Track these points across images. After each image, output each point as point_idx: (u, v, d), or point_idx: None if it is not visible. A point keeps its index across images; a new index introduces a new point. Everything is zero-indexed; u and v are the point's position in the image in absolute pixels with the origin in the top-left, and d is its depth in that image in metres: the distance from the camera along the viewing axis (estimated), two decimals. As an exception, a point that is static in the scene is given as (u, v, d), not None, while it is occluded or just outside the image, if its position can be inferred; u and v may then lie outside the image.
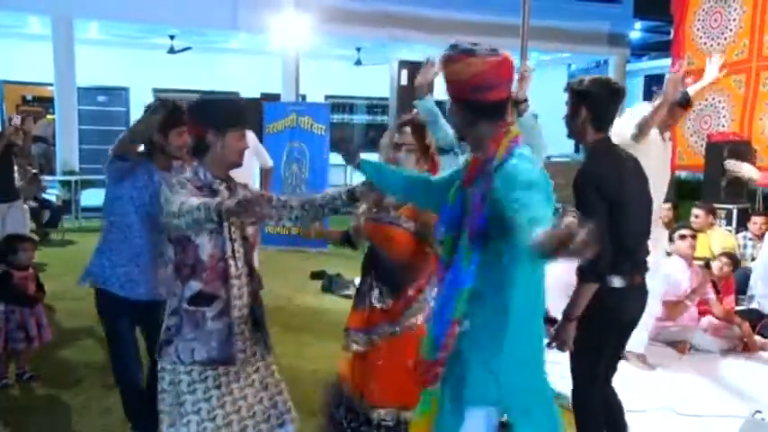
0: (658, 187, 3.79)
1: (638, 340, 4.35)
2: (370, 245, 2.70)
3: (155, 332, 2.84)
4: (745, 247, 6.20)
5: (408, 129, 2.68)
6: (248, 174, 5.56)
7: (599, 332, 2.79)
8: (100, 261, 2.94)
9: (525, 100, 3.10)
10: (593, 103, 2.75)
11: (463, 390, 1.83)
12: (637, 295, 2.87)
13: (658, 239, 4.28)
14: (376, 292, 2.62)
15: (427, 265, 2.61)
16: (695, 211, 6.01)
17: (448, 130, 3.75)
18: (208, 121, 2.31)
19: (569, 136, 2.87)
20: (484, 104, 1.83)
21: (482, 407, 1.85)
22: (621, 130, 3.67)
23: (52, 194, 10.04)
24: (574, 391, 2.93)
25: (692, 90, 4.41)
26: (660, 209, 4.28)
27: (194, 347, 2.26)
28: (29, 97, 13.79)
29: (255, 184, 5.82)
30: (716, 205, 6.43)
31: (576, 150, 15.73)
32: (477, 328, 1.82)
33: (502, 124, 1.87)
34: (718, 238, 5.98)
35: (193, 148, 2.37)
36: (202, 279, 2.27)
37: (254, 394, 2.39)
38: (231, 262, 2.31)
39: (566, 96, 2.80)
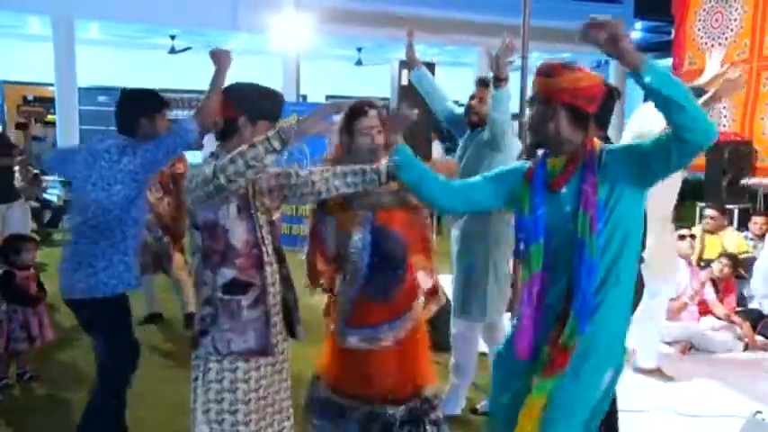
0: (671, 184, 3.73)
1: (648, 355, 4.33)
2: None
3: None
4: (745, 247, 6.20)
5: (374, 112, 2.61)
6: None
7: None
8: (120, 261, 2.83)
9: (506, 78, 3.22)
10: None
11: (598, 358, 2.01)
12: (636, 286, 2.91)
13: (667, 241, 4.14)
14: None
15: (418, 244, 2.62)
16: (710, 212, 5.95)
17: (447, 103, 3.78)
18: (244, 106, 2.26)
19: None
20: (586, 113, 2.04)
21: (611, 369, 2.06)
22: (645, 125, 3.56)
23: (53, 194, 10.04)
24: None
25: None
26: (672, 208, 4.17)
27: (231, 338, 2.21)
28: (30, 97, 13.78)
29: None
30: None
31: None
32: (613, 304, 2.02)
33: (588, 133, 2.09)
34: (732, 240, 5.92)
35: (222, 131, 2.31)
36: (236, 266, 2.21)
37: (268, 394, 2.35)
38: (263, 248, 2.27)
39: None
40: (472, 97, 3.58)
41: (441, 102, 3.76)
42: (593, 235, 1.94)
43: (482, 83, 3.55)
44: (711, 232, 5.84)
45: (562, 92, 2.00)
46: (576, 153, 2.04)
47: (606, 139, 2.83)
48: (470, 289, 3.47)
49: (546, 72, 2.04)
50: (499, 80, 3.21)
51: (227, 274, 2.21)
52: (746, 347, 4.92)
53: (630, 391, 3.81)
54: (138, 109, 2.89)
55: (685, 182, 4.51)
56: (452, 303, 3.58)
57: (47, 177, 9.62)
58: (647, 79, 1.75)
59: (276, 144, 1.99)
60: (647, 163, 1.93)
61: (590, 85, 2.01)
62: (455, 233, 3.59)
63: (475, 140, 3.50)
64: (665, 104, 1.76)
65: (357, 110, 2.63)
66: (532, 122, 2.10)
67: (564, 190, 2.04)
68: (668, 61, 9.14)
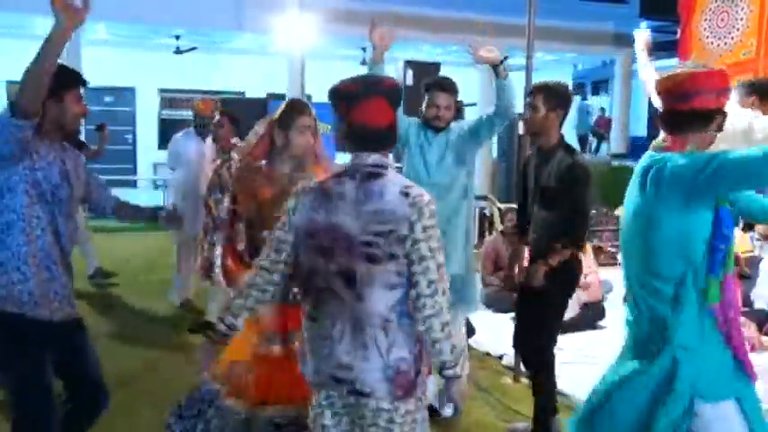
0: None
1: None
2: None
3: None
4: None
5: (313, 113, 2.55)
6: None
7: (563, 302, 3.15)
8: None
9: (500, 62, 3.16)
10: (566, 105, 3.08)
11: None
12: None
13: None
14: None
15: None
16: None
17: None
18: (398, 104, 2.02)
19: (531, 134, 3.18)
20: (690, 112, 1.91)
21: None
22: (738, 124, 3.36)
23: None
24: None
25: None
26: None
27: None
28: (35, 98, 13.86)
29: None
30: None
31: (582, 149, 15.65)
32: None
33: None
34: (737, 240, 5.88)
35: (390, 139, 2.04)
36: None
37: None
38: None
39: (533, 97, 3.08)
40: (431, 105, 3.41)
41: None
42: None
43: (439, 87, 3.43)
44: None
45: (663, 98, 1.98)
46: None
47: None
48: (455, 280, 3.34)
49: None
50: (496, 66, 3.14)
51: None
52: (752, 349, 4.89)
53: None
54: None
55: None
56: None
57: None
58: None
59: None
60: None
61: (681, 80, 1.88)
62: None
63: (435, 141, 3.39)
64: None
65: (298, 107, 2.56)
66: None
67: None
68: (673, 61, 9.12)
